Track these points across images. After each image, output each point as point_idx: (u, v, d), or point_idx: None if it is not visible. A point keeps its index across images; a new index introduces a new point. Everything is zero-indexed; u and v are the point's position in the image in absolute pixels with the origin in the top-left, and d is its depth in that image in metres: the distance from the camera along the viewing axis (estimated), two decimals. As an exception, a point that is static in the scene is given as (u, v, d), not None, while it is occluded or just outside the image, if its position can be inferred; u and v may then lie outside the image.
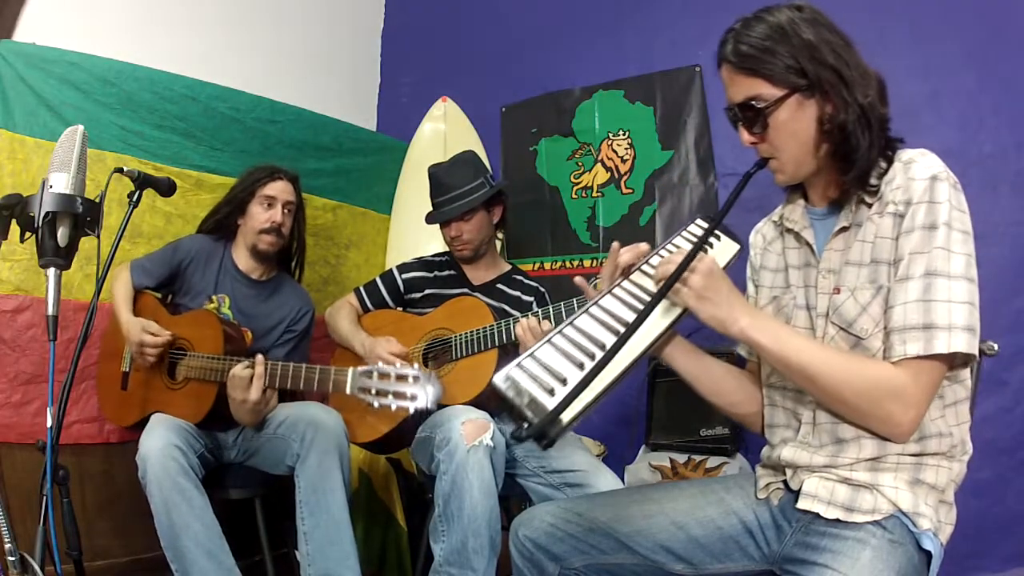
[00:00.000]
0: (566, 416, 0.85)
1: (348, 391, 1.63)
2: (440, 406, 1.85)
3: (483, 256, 2.17)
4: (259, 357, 1.77)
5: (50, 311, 1.32)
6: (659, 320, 1.08)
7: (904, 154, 1.10)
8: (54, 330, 1.32)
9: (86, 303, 1.97)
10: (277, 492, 1.92)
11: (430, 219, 2.16)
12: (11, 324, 1.99)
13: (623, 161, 2.63)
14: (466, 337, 1.89)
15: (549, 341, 0.98)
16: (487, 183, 2.11)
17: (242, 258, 2.10)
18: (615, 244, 1.18)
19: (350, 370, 1.64)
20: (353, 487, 2.51)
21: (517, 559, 1.28)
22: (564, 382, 0.91)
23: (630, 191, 2.61)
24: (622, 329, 1.00)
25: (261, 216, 2.04)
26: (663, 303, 1.07)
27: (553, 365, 0.93)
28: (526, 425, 0.86)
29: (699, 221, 1.25)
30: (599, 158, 2.68)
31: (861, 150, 1.07)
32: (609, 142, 2.66)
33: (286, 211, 2.08)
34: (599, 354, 0.95)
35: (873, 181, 1.09)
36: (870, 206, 1.10)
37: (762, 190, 2.47)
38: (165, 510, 1.64)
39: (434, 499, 1.70)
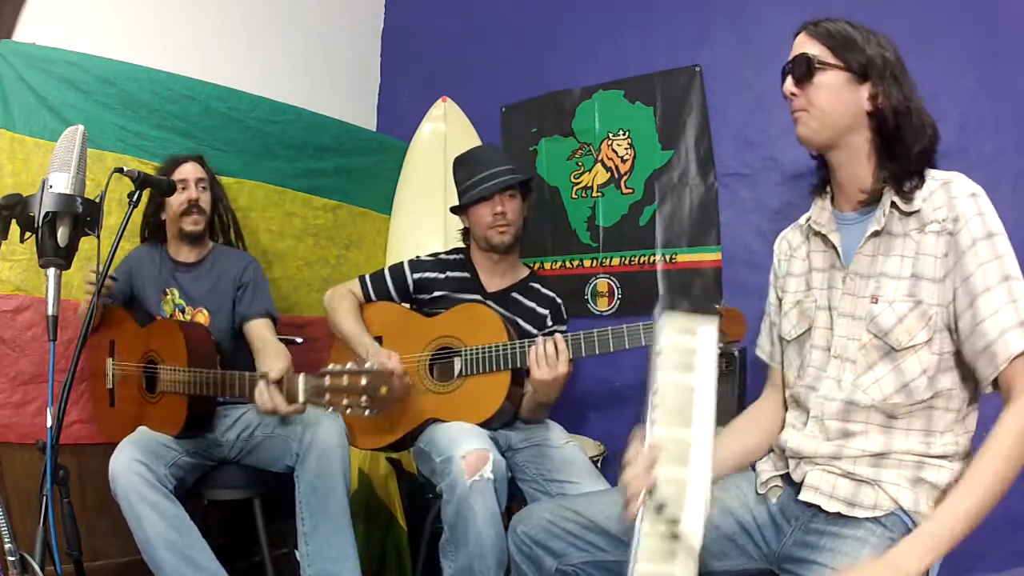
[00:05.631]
0: None
1: (301, 398, 1.58)
2: (443, 421, 1.84)
3: (509, 255, 2.06)
4: (260, 385, 1.67)
5: (50, 311, 1.32)
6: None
7: (937, 174, 1.14)
8: (54, 330, 1.32)
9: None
10: (277, 492, 1.92)
11: (472, 197, 1.98)
12: (11, 324, 1.99)
13: (623, 161, 2.63)
14: (477, 353, 1.83)
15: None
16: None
17: (175, 248, 2.12)
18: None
19: (300, 377, 1.58)
20: (353, 487, 2.51)
21: (516, 555, 1.29)
22: None
23: (630, 191, 2.61)
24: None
25: (177, 200, 2.05)
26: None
27: None
28: None
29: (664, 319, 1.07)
30: (599, 158, 2.68)
31: (904, 143, 1.12)
32: (609, 142, 2.66)
33: (200, 188, 2.09)
34: None
35: (905, 187, 1.12)
36: (906, 215, 1.12)
37: (760, 191, 2.47)
38: (138, 524, 1.67)
39: (441, 519, 1.70)
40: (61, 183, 1.33)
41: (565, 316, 2.09)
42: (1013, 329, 1.02)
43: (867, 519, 1.07)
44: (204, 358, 1.84)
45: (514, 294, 2.06)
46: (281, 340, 2.05)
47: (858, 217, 1.20)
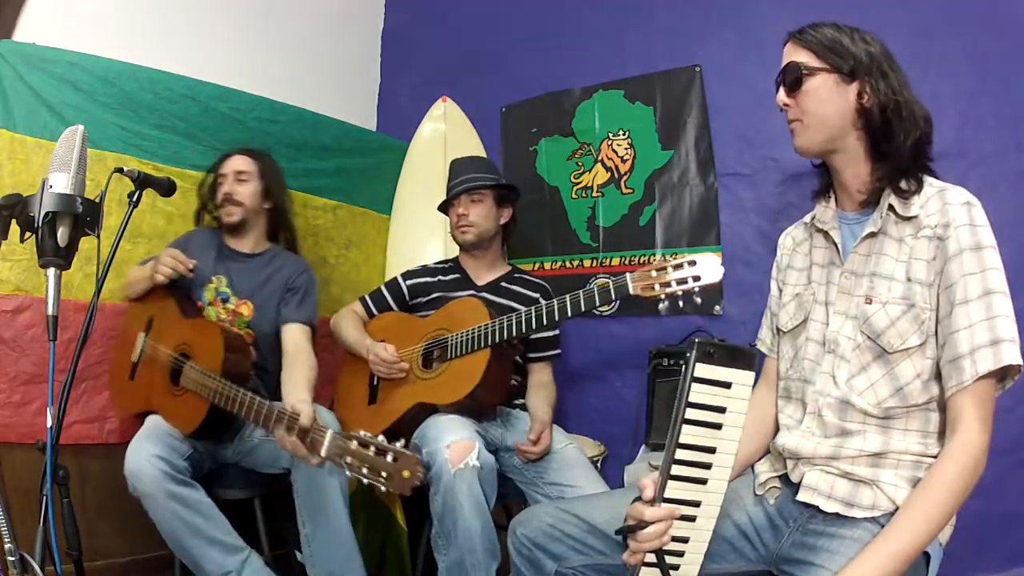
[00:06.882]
0: None
1: (324, 453, 1.53)
2: (431, 408, 1.88)
3: (487, 254, 2.20)
4: (282, 431, 1.65)
5: (50, 311, 1.31)
6: None
7: (936, 183, 1.15)
8: (54, 330, 1.31)
9: (86, 303, 1.96)
10: (277, 492, 1.92)
11: (447, 197, 2.20)
12: (11, 324, 1.99)
13: (623, 161, 2.63)
14: (461, 337, 1.90)
15: None
16: (501, 179, 2.22)
17: (232, 238, 2.16)
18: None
19: (328, 433, 1.54)
20: (353, 487, 2.51)
21: (515, 557, 1.29)
22: None
23: (630, 191, 2.61)
24: None
25: (217, 194, 2.11)
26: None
27: None
28: None
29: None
30: (599, 158, 2.68)
31: (895, 137, 1.12)
32: (609, 142, 2.66)
33: (238, 180, 2.12)
34: None
35: (902, 186, 1.13)
36: (903, 219, 1.13)
37: (760, 191, 2.46)
38: (164, 519, 1.68)
39: (431, 514, 1.71)
40: (61, 183, 1.32)
41: (555, 299, 2.15)
42: (984, 348, 1.02)
43: (865, 519, 1.07)
44: (238, 373, 1.83)
45: (503, 283, 2.19)
46: None
47: (859, 217, 1.21)
